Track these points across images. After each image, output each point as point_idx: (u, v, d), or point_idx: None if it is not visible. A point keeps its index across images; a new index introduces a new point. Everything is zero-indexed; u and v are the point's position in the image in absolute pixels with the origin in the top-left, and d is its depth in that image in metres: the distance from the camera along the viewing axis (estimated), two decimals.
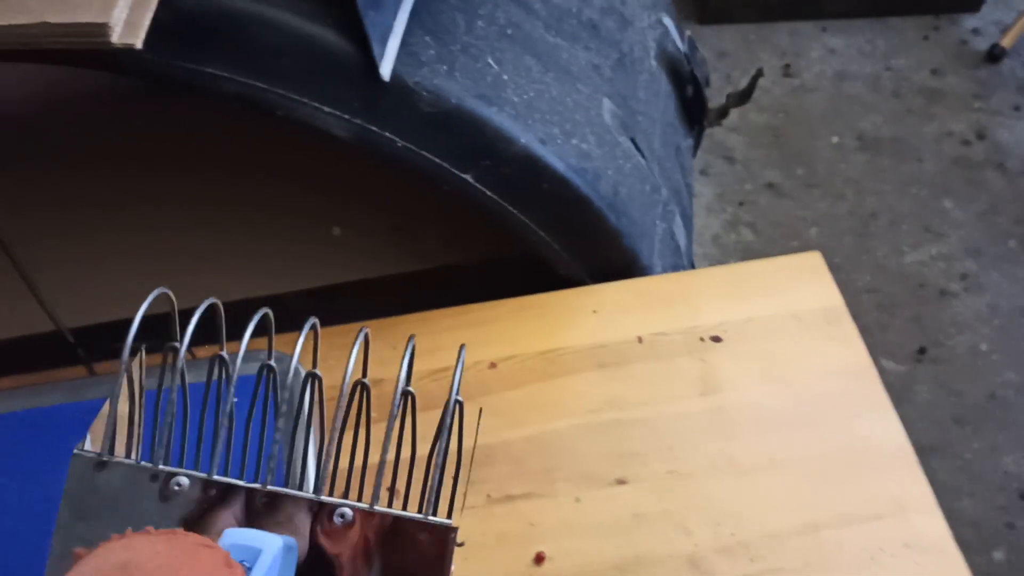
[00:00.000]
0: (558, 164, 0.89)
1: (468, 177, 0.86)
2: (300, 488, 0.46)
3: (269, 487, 0.46)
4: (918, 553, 0.79)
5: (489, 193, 0.87)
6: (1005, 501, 1.50)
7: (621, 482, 0.83)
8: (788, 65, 2.17)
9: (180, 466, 0.46)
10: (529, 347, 0.93)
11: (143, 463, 0.45)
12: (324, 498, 0.45)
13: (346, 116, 0.79)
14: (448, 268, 1.01)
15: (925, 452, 1.57)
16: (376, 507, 0.45)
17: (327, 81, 0.78)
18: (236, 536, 0.42)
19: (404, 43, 0.81)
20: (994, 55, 2.17)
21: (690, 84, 1.28)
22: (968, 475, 1.53)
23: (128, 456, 0.46)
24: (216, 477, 0.45)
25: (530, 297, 0.96)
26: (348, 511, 0.45)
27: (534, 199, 0.90)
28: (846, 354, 0.93)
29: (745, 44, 2.21)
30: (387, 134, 0.81)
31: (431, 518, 0.45)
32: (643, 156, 1.08)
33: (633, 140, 1.07)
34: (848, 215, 1.92)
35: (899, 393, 1.65)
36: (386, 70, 0.79)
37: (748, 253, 1.86)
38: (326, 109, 0.79)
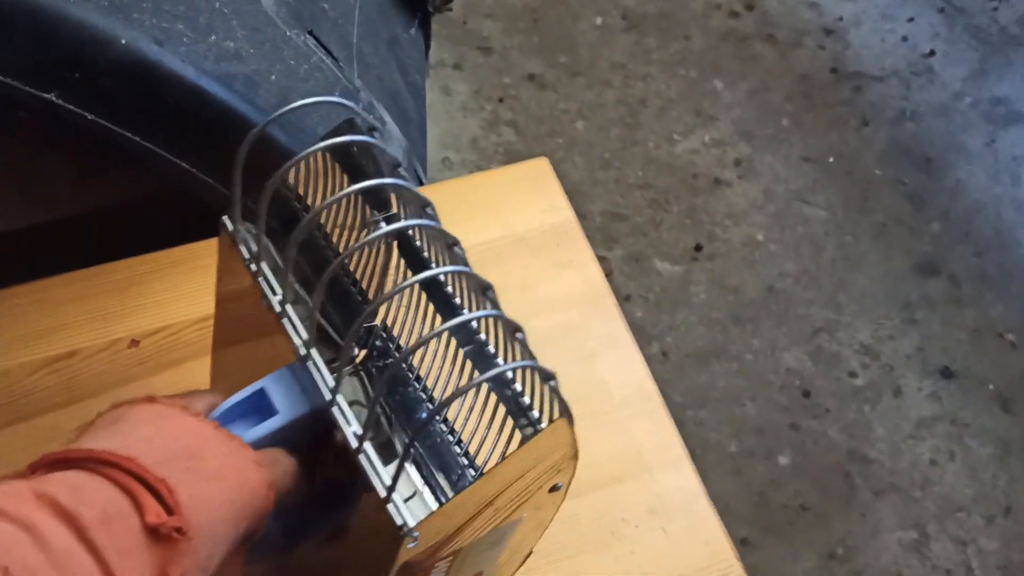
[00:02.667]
0: (185, 70, 0.69)
1: (51, 96, 0.65)
2: None
3: None
4: (666, 519, 0.68)
5: (90, 116, 0.67)
6: (788, 401, 1.46)
7: None
8: None
9: None
10: (184, 314, 0.74)
11: None
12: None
13: None
14: (76, 219, 0.80)
15: (705, 358, 1.50)
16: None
17: None
18: (274, 383, 0.47)
19: None
20: None
21: None
22: (749, 377, 1.48)
23: None
24: None
25: (185, 247, 0.77)
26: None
27: (158, 119, 0.70)
28: (579, 280, 0.80)
29: None
30: None
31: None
32: (329, 54, 0.89)
33: (312, 33, 0.88)
34: (616, 104, 1.80)
35: (675, 296, 1.57)
36: None
37: (511, 155, 1.71)
38: None
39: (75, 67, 0.64)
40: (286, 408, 0.47)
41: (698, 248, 1.62)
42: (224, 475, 0.43)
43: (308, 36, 0.87)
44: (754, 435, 1.42)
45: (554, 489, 0.49)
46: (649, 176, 1.70)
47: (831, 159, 1.75)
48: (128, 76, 0.67)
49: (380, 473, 0.44)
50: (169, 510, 0.40)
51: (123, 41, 0.65)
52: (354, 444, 0.45)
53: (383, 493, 0.43)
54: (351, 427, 0.45)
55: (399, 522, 0.43)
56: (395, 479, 0.43)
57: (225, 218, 0.50)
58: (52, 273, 0.76)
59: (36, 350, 0.71)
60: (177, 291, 0.75)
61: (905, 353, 1.52)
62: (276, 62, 0.79)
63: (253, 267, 0.49)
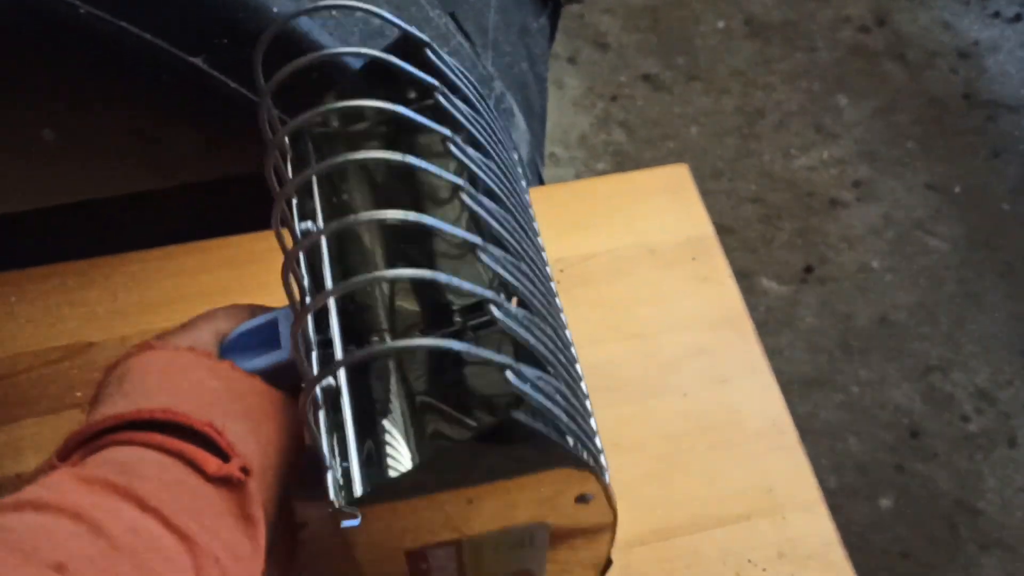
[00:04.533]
0: (334, 45, 0.67)
1: (198, 61, 0.64)
2: None
3: None
4: (797, 565, 0.64)
5: (232, 84, 0.65)
6: (894, 440, 1.40)
7: None
8: None
9: None
10: None
11: None
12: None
13: None
14: (204, 187, 0.79)
15: (809, 385, 1.45)
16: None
17: None
18: (286, 317, 0.47)
19: None
20: None
21: None
22: (855, 411, 1.42)
23: None
24: None
25: None
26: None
27: (302, 92, 0.68)
28: (715, 299, 0.76)
29: None
30: None
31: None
32: (467, 38, 0.87)
33: (453, 16, 0.86)
34: (733, 112, 1.75)
35: (782, 319, 1.52)
36: None
37: (619, 156, 1.68)
38: None
39: (225, 33, 0.63)
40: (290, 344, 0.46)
41: (808, 270, 1.56)
42: (258, 415, 0.41)
43: (449, 18, 0.84)
44: (856, 473, 1.37)
45: (581, 499, 0.45)
46: (762, 190, 1.65)
47: (957, 189, 1.67)
48: (276, 45, 0.65)
49: (324, 440, 0.41)
50: (224, 455, 0.38)
51: (274, 9, 0.63)
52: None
53: (326, 461, 0.40)
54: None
55: (331, 496, 0.39)
56: (334, 450, 0.40)
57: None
58: (173, 241, 0.75)
59: (154, 319, 0.70)
60: None
61: (1023, 402, 1.45)
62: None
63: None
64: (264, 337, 0.47)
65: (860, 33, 1.87)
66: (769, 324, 1.51)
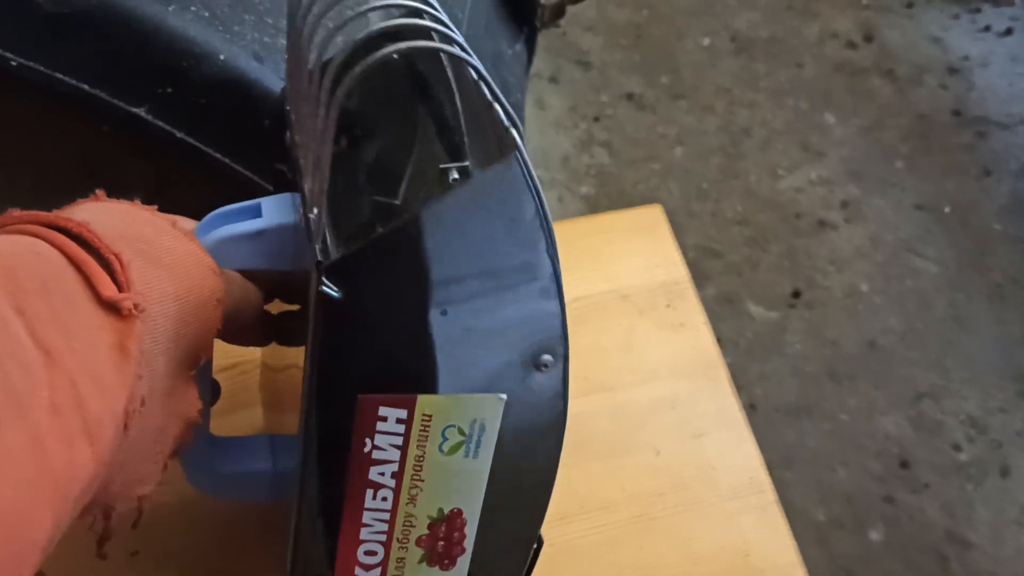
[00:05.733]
0: (273, 82, 0.64)
1: (140, 111, 0.61)
2: None
3: None
4: None
5: (178, 134, 0.63)
6: (883, 470, 1.37)
7: None
8: None
9: None
10: (257, 352, 0.70)
11: None
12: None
13: None
14: None
15: (796, 414, 1.43)
16: None
17: None
18: (272, 201, 0.47)
19: None
20: None
21: None
22: (842, 440, 1.40)
23: None
24: None
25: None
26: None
27: (250, 140, 0.66)
28: (689, 347, 0.73)
29: None
30: None
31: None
32: None
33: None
34: (717, 131, 1.73)
35: (768, 344, 1.49)
36: None
37: (602, 178, 1.65)
38: None
39: (168, 82, 0.60)
40: (272, 215, 0.45)
41: (796, 294, 1.54)
42: (177, 270, 0.39)
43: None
44: (844, 504, 1.34)
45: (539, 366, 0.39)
46: (748, 212, 1.63)
47: (947, 209, 1.65)
48: (224, 93, 0.62)
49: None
50: (120, 287, 0.36)
51: (221, 56, 0.61)
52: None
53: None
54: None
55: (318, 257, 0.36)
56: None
57: None
58: None
59: None
60: None
61: (1016, 429, 1.42)
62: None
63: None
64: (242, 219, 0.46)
65: (847, 49, 1.85)
66: (755, 350, 1.48)
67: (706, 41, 1.85)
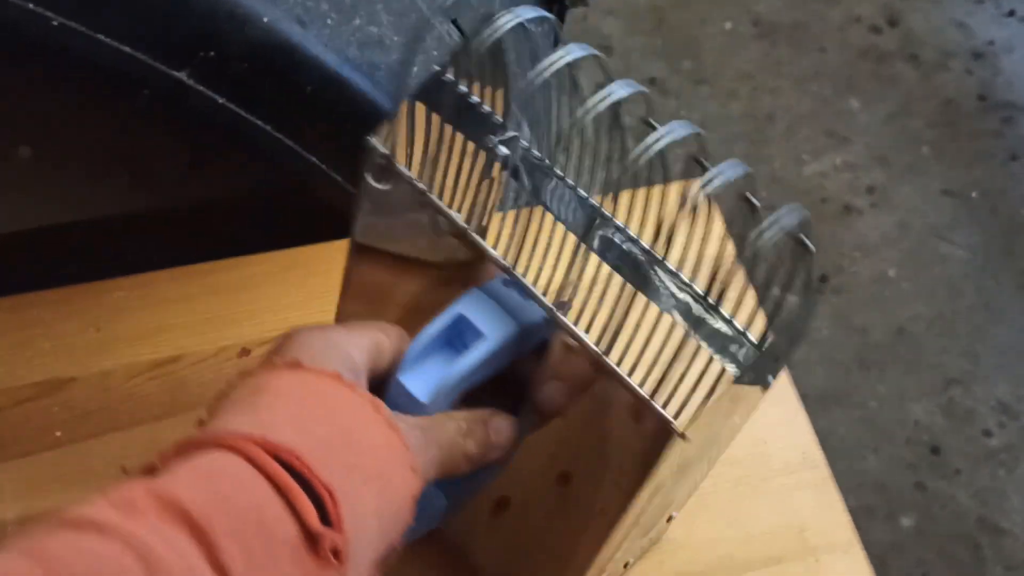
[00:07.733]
0: (327, 56, 0.63)
1: (182, 76, 0.60)
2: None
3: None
4: None
5: (219, 100, 0.61)
6: (914, 457, 1.36)
7: None
8: None
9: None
10: (298, 323, 0.68)
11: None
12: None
13: None
14: (188, 209, 0.74)
15: (825, 402, 1.41)
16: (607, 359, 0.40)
17: None
18: (471, 307, 0.41)
19: None
20: None
21: None
22: (873, 428, 1.38)
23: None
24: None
25: (301, 250, 0.71)
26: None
27: (291, 108, 0.65)
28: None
29: None
30: (33, 6, 0.54)
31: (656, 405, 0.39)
32: None
33: (455, 23, 0.82)
34: (741, 117, 1.71)
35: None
36: None
37: None
38: None
39: (210, 45, 0.59)
40: (494, 330, 0.40)
41: (823, 279, 1.53)
42: (381, 483, 0.36)
43: (451, 25, 0.80)
44: (875, 492, 1.33)
45: None
46: (773, 198, 1.61)
47: (974, 194, 1.64)
48: (266, 59, 0.61)
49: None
50: (329, 522, 0.33)
51: (265, 19, 0.59)
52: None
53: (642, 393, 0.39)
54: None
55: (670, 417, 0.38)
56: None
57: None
58: (155, 267, 0.71)
59: (139, 351, 0.66)
60: (291, 298, 0.70)
61: None
62: (418, 52, 0.73)
63: (421, 184, 0.44)
64: (443, 343, 0.41)
65: (871, 34, 1.84)
66: None
67: (728, 26, 1.83)
